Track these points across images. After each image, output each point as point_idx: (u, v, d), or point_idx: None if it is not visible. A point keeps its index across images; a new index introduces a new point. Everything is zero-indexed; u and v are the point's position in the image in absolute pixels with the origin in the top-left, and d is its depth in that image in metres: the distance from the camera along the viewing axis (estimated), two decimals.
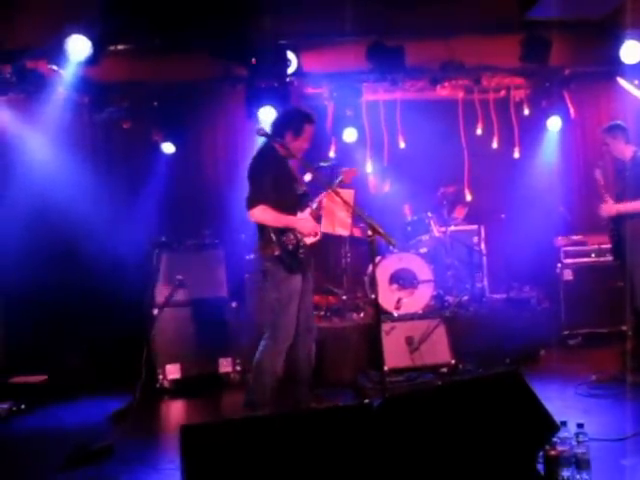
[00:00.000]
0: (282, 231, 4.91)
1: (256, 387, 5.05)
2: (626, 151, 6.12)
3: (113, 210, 7.23)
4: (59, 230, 6.94)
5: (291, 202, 5.01)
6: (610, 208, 6.08)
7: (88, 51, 6.29)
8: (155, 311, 6.68)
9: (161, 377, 6.68)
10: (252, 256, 7.32)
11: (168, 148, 7.73)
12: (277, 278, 4.97)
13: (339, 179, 5.18)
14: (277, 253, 4.89)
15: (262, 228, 4.95)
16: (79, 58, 6.34)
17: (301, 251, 4.97)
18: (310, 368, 5.20)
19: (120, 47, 6.85)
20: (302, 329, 5.11)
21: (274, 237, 4.88)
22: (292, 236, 4.93)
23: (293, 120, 5.09)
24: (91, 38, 6.21)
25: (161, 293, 6.71)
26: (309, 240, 5.01)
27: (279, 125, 5.14)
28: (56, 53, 6.32)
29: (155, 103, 7.74)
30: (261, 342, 5.06)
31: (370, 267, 6.68)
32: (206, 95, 7.92)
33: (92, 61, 6.38)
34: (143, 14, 6.27)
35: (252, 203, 4.89)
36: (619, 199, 6.11)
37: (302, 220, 4.99)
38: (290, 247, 4.92)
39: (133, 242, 7.05)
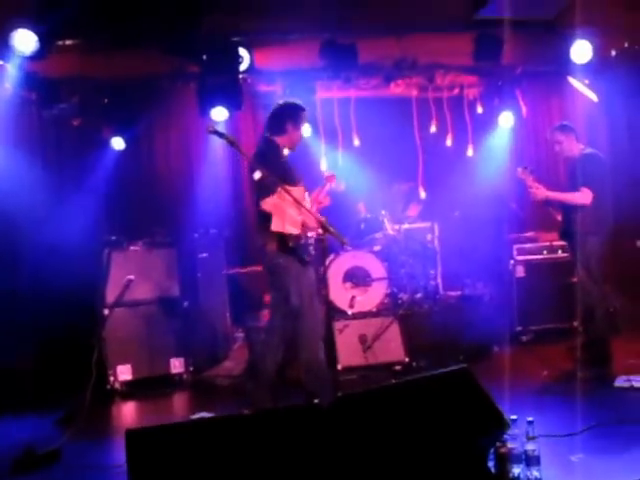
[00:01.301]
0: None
1: (316, 385, 5.10)
2: (575, 148, 6.23)
3: (63, 209, 7.07)
4: (5, 229, 6.78)
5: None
6: (540, 193, 6.18)
7: (35, 46, 6.14)
8: (105, 311, 6.57)
9: (112, 378, 6.58)
10: (205, 255, 7.27)
11: (118, 144, 7.58)
12: (291, 272, 5.06)
13: (326, 186, 5.53)
14: (291, 244, 4.97)
15: (265, 222, 4.96)
16: (25, 53, 6.19)
17: (307, 245, 5.11)
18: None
19: (68, 42, 6.69)
20: None
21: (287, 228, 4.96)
22: (323, 229, 4.92)
23: (291, 111, 5.25)
24: (38, 32, 6.06)
25: (111, 293, 6.60)
26: (310, 234, 5.13)
27: (279, 119, 5.24)
28: (1, 48, 6.16)
29: (106, 100, 7.60)
30: (296, 339, 5.15)
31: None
32: (158, 92, 7.80)
33: (39, 56, 6.23)
34: (92, 8, 6.13)
35: (263, 194, 4.93)
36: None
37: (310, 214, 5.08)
38: (301, 241, 5.04)
39: (83, 241, 6.91)
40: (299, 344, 5.18)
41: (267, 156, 5.08)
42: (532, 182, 6.21)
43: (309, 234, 5.14)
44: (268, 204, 4.94)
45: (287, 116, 5.23)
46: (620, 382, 5.62)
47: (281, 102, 5.43)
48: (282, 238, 4.99)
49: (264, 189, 4.94)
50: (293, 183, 5.06)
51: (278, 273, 5.13)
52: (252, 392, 5.23)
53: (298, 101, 5.39)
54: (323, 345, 5.20)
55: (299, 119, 5.27)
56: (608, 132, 8.40)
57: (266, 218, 4.97)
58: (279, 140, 5.22)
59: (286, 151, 5.32)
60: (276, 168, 4.99)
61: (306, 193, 5.28)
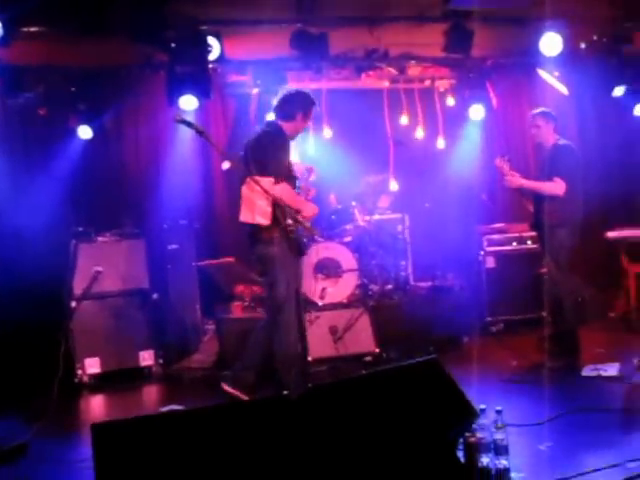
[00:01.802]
0: (286, 213, 4.96)
1: (287, 375, 5.09)
2: (551, 138, 6.26)
3: (29, 199, 6.96)
4: None
5: (291, 185, 5.12)
6: (514, 180, 6.24)
7: None
8: (73, 303, 6.49)
9: (80, 372, 6.50)
10: (175, 246, 7.21)
11: (85, 133, 7.47)
12: (283, 261, 5.04)
13: (310, 177, 5.47)
14: (292, 234, 5.01)
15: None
16: None
17: (302, 235, 5.12)
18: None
19: (34, 29, 6.56)
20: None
21: (286, 218, 4.96)
22: (292, 220, 4.99)
23: (305, 102, 5.26)
24: (2, 19, 5.94)
25: (79, 285, 6.52)
26: (307, 224, 5.10)
27: (291, 106, 5.23)
28: None
29: (73, 88, 7.49)
30: (274, 331, 5.12)
31: None
32: (127, 80, 7.69)
33: (3, 43, 6.09)
34: None
35: (274, 179, 4.90)
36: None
37: (310, 204, 5.14)
38: (295, 230, 5.02)
39: (50, 232, 6.82)
40: (276, 335, 5.13)
41: (275, 139, 5.07)
42: (508, 170, 6.25)
43: (306, 224, 5.11)
44: (279, 190, 4.92)
45: (301, 107, 5.23)
46: (588, 371, 5.68)
47: (296, 89, 5.44)
48: (281, 226, 4.96)
49: (275, 174, 4.93)
50: (290, 172, 5.12)
51: (270, 262, 5.08)
52: (292, 380, 5.17)
53: (311, 95, 5.38)
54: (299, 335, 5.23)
55: (310, 112, 5.29)
56: (577, 124, 8.46)
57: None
58: (285, 126, 5.20)
59: None
60: (284, 152, 5.03)
61: (297, 181, 5.28)
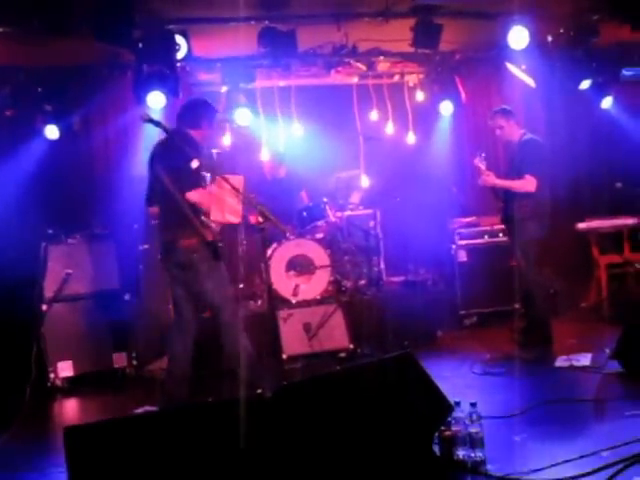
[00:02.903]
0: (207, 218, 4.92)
1: (254, 374, 5.04)
2: (515, 133, 6.33)
3: None
4: None
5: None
6: (489, 179, 6.31)
7: None
8: (44, 306, 6.41)
9: (52, 375, 6.44)
10: (146, 246, 7.16)
11: (51, 133, 7.38)
12: (206, 266, 4.96)
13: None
14: (210, 238, 4.90)
15: (185, 217, 4.85)
16: None
17: (220, 239, 5.05)
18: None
19: None
20: None
21: (205, 223, 4.91)
22: (213, 224, 4.96)
23: (207, 110, 5.23)
24: None
25: (50, 287, 6.44)
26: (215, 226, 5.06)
27: (194, 113, 5.18)
28: None
29: (40, 89, 7.40)
30: (221, 332, 5.08)
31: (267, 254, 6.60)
32: (94, 80, 7.60)
33: None
34: None
35: (192, 185, 4.86)
36: (505, 179, 6.32)
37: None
38: (214, 234, 4.97)
39: (19, 236, 6.73)
40: (227, 336, 5.10)
41: (181, 144, 4.93)
42: (484, 170, 6.30)
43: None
44: (196, 195, 4.87)
45: (204, 114, 5.20)
46: (560, 362, 5.73)
47: (198, 97, 5.53)
48: (200, 232, 4.89)
49: (194, 179, 4.87)
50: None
51: (193, 269, 4.99)
52: (169, 390, 5.15)
53: (212, 103, 5.39)
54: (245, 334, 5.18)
55: (213, 119, 5.28)
56: (545, 116, 8.52)
57: (186, 210, 4.86)
58: (192, 133, 5.12)
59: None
60: (196, 156, 4.91)
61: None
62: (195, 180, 4.89)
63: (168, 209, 5.01)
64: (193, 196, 4.87)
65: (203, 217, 4.93)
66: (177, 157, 4.88)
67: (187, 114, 5.21)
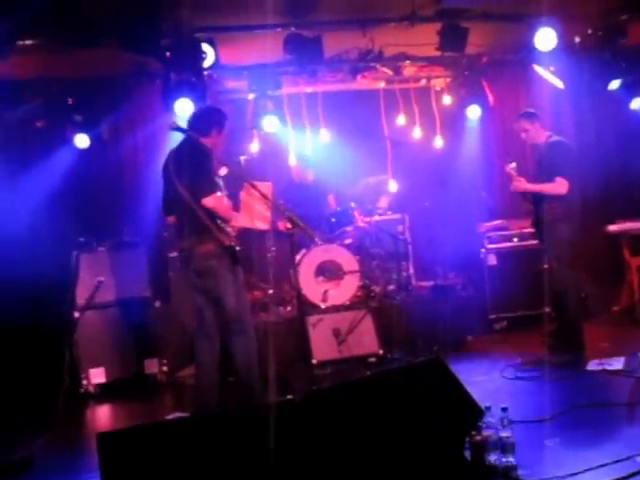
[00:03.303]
0: (223, 223, 4.96)
1: (254, 383, 5.10)
2: (542, 135, 6.30)
3: (29, 212, 6.97)
4: None
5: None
6: (521, 185, 6.27)
7: None
8: (76, 314, 6.49)
9: (85, 382, 6.51)
10: (176, 254, 7.20)
11: (82, 141, 7.48)
12: (225, 271, 4.99)
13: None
14: (228, 243, 4.92)
15: (201, 223, 4.89)
16: None
17: (237, 243, 5.04)
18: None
19: (29, 42, 6.57)
20: None
21: (222, 228, 4.94)
22: (230, 229, 4.99)
23: (216, 117, 5.24)
24: None
25: (81, 295, 6.52)
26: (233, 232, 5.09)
27: (205, 121, 5.20)
28: None
29: (70, 99, 7.51)
30: (232, 343, 5.10)
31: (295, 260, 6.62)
32: (123, 89, 7.70)
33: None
34: (52, 7, 6.02)
35: (207, 191, 4.89)
36: (535, 182, 6.28)
37: (239, 215, 5.10)
38: (232, 239, 4.99)
39: (51, 245, 6.82)
40: (238, 345, 5.11)
41: (197, 151, 5.01)
42: (515, 175, 6.27)
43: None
44: (211, 201, 4.89)
45: (214, 122, 5.21)
46: (592, 366, 5.67)
47: (208, 105, 5.54)
48: (218, 238, 4.92)
49: (210, 185, 4.90)
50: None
51: (211, 275, 5.01)
52: (199, 396, 5.18)
53: (222, 110, 5.41)
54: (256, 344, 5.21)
55: (223, 126, 5.27)
56: (574, 118, 8.45)
57: (203, 216, 4.89)
58: (204, 140, 5.14)
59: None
60: (209, 162, 5.00)
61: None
62: (210, 186, 4.92)
63: (184, 216, 5.02)
64: (209, 202, 4.89)
65: (219, 222, 4.95)
66: (194, 163, 4.92)
67: (198, 122, 5.23)
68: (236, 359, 5.13)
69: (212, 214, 4.92)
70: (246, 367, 5.09)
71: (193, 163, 4.91)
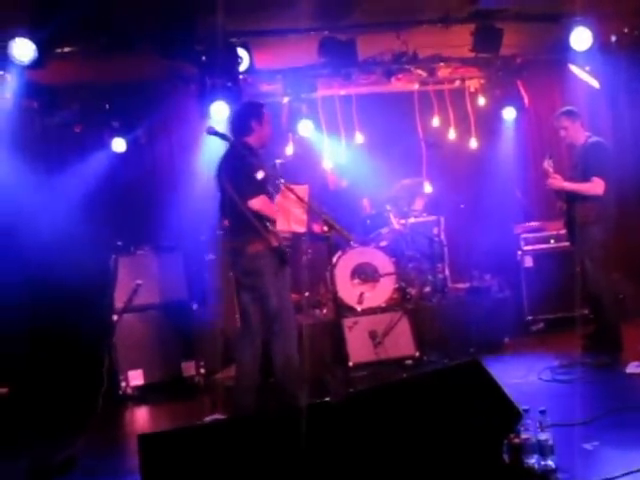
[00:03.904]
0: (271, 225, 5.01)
1: (293, 384, 5.13)
2: (581, 136, 6.24)
3: (67, 216, 7.07)
4: (10, 238, 6.76)
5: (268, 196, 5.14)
6: (557, 182, 6.22)
7: (33, 54, 6.13)
8: (115, 317, 6.57)
9: (123, 384, 6.60)
10: (213, 257, 7.27)
11: (118, 145, 7.60)
12: (272, 272, 5.06)
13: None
14: (276, 244, 4.99)
15: (250, 224, 4.95)
16: (25, 62, 6.18)
17: (286, 245, 5.11)
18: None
19: (67, 49, 6.68)
20: None
21: (270, 229, 4.99)
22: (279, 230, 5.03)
23: (251, 110, 5.29)
24: (36, 41, 6.06)
25: (120, 298, 6.60)
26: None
27: (241, 120, 5.27)
28: (0, 58, 6.16)
29: (107, 105, 7.62)
30: (271, 342, 5.16)
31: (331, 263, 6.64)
32: (159, 94, 7.80)
33: (38, 64, 6.21)
34: (88, 14, 6.12)
35: (254, 193, 4.96)
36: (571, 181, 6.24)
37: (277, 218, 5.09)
38: (280, 240, 5.05)
39: (90, 248, 6.92)
40: (276, 345, 5.16)
41: (240, 155, 5.04)
42: (552, 172, 6.23)
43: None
44: (258, 203, 4.95)
45: (250, 116, 5.24)
46: (632, 368, 5.59)
47: (241, 104, 5.56)
48: (266, 238, 4.98)
49: (255, 188, 4.95)
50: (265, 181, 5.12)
51: (258, 274, 5.09)
52: (237, 398, 5.24)
53: (256, 101, 5.49)
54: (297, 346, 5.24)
55: (261, 115, 5.26)
56: (610, 118, 8.36)
57: (251, 217, 4.95)
58: (248, 140, 5.20)
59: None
60: (252, 168, 5.02)
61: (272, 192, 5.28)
62: (255, 188, 4.98)
63: (234, 218, 5.10)
64: (255, 204, 4.96)
65: (268, 224, 5.01)
66: (238, 167, 5.00)
67: (235, 123, 5.32)
68: (275, 359, 5.18)
69: (260, 216, 5.00)
70: (284, 368, 5.13)
71: (237, 167, 5.01)
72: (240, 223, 5.03)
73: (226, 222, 5.40)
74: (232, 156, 5.11)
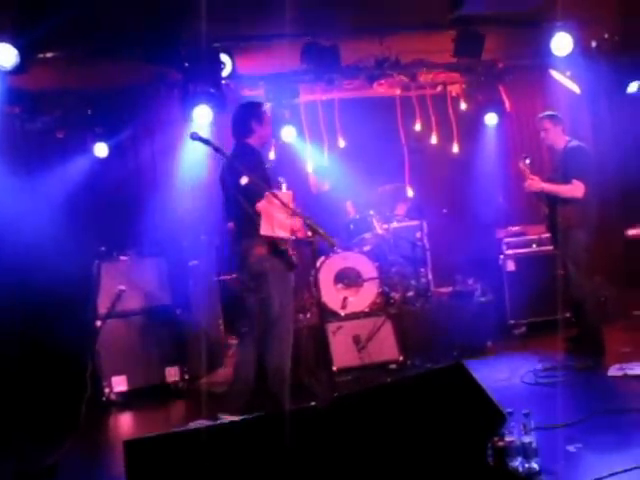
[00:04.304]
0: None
1: (281, 390, 5.09)
2: (561, 140, 6.29)
3: (49, 221, 7.03)
4: None
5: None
6: (535, 184, 6.27)
7: (15, 60, 6.10)
8: (98, 323, 6.54)
9: (107, 390, 6.55)
10: (196, 262, 7.26)
11: (101, 150, 7.58)
12: (276, 275, 5.08)
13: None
14: (283, 247, 5.01)
15: (256, 227, 4.95)
16: (6, 67, 6.15)
17: (291, 248, 5.12)
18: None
19: (49, 55, 6.66)
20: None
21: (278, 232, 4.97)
22: (284, 234, 5.03)
23: (250, 110, 5.30)
24: (17, 46, 6.03)
25: (103, 304, 6.57)
26: (292, 237, 5.17)
27: (241, 121, 5.27)
28: None
29: (89, 111, 7.60)
30: (267, 346, 5.15)
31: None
32: (142, 100, 7.79)
33: (20, 70, 6.18)
34: (71, 20, 6.10)
35: (259, 196, 4.94)
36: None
37: (294, 218, 5.13)
38: (286, 244, 5.06)
39: (72, 254, 6.88)
40: (271, 349, 5.16)
41: (244, 159, 5.06)
42: (529, 174, 6.28)
43: (292, 237, 5.17)
44: (260, 207, 4.97)
45: (250, 116, 5.25)
46: (614, 371, 5.64)
47: (239, 105, 5.46)
48: (272, 241, 5.00)
49: (258, 191, 4.95)
50: (272, 186, 5.12)
51: (263, 277, 5.11)
52: (230, 399, 5.24)
53: (254, 100, 5.52)
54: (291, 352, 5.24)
55: (261, 115, 5.27)
56: (591, 122, 8.44)
57: (256, 221, 4.96)
58: (249, 141, 5.23)
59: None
60: (255, 170, 5.01)
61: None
62: (260, 191, 4.97)
63: (240, 221, 5.14)
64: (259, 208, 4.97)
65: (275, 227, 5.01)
66: (239, 171, 4.99)
67: (236, 125, 5.31)
68: (267, 363, 5.18)
69: None
70: (275, 372, 5.13)
71: (242, 170, 4.99)
72: (245, 227, 5.05)
73: (231, 225, 5.41)
74: (236, 159, 5.08)
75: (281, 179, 5.24)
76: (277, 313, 5.13)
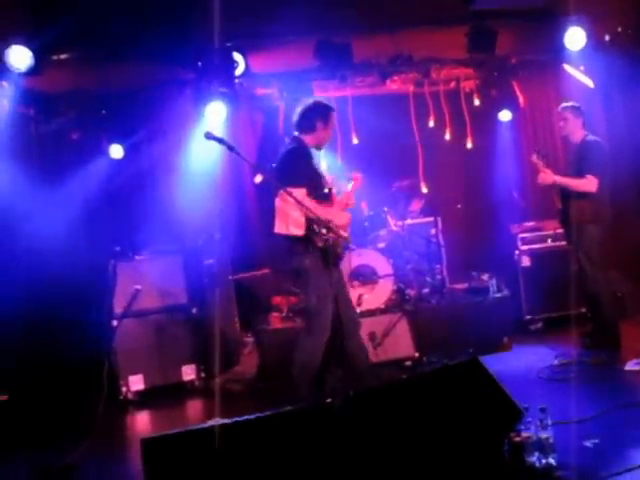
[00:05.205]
0: (319, 224, 5.00)
1: (302, 383, 5.16)
2: (579, 133, 6.26)
3: (65, 222, 7.08)
4: (6, 246, 6.76)
5: (322, 195, 5.18)
6: (548, 177, 6.23)
7: (30, 62, 6.16)
8: (114, 322, 6.58)
9: (124, 389, 6.59)
10: (211, 261, 7.28)
11: (116, 152, 7.61)
12: (316, 274, 5.10)
13: (352, 187, 5.52)
14: (320, 245, 5.01)
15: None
16: (21, 69, 6.20)
17: (337, 244, 5.13)
18: (367, 356, 5.53)
19: (63, 56, 6.71)
20: (347, 321, 5.31)
21: (316, 229, 4.99)
22: (325, 230, 5.01)
23: (321, 110, 5.29)
24: (32, 48, 6.08)
25: (119, 304, 6.60)
26: (344, 233, 5.18)
27: (308, 117, 5.27)
28: None
29: (103, 111, 7.63)
30: (301, 339, 5.25)
31: None
32: (156, 100, 7.81)
33: (35, 71, 6.24)
34: (85, 21, 6.15)
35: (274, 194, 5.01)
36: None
37: (340, 213, 5.22)
38: (329, 241, 5.04)
39: (88, 254, 6.93)
40: (305, 342, 5.21)
41: (295, 153, 5.13)
42: (543, 167, 6.25)
43: (343, 233, 5.18)
44: (276, 205, 5.01)
45: (317, 115, 5.26)
46: (631, 366, 5.61)
47: (311, 101, 5.43)
48: (311, 239, 5.02)
49: (270, 190, 5.01)
50: (321, 183, 5.19)
51: (303, 273, 5.16)
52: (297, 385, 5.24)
53: (327, 102, 5.43)
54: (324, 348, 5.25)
55: (329, 119, 5.30)
56: (605, 117, 8.39)
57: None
58: (307, 139, 5.25)
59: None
60: (308, 165, 5.08)
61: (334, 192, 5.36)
62: (274, 190, 5.03)
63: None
64: (306, 202, 4.97)
65: (314, 225, 5.00)
66: (286, 168, 5.07)
67: (301, 119, 5.31)
68: (297, 355, 5.20)
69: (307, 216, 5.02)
70: (302, 366, 5.16)
71: (288, 167, 5.07)
72: None
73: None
74: (286, 156, 5.18)
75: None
76: (314, 310, 5.15)
